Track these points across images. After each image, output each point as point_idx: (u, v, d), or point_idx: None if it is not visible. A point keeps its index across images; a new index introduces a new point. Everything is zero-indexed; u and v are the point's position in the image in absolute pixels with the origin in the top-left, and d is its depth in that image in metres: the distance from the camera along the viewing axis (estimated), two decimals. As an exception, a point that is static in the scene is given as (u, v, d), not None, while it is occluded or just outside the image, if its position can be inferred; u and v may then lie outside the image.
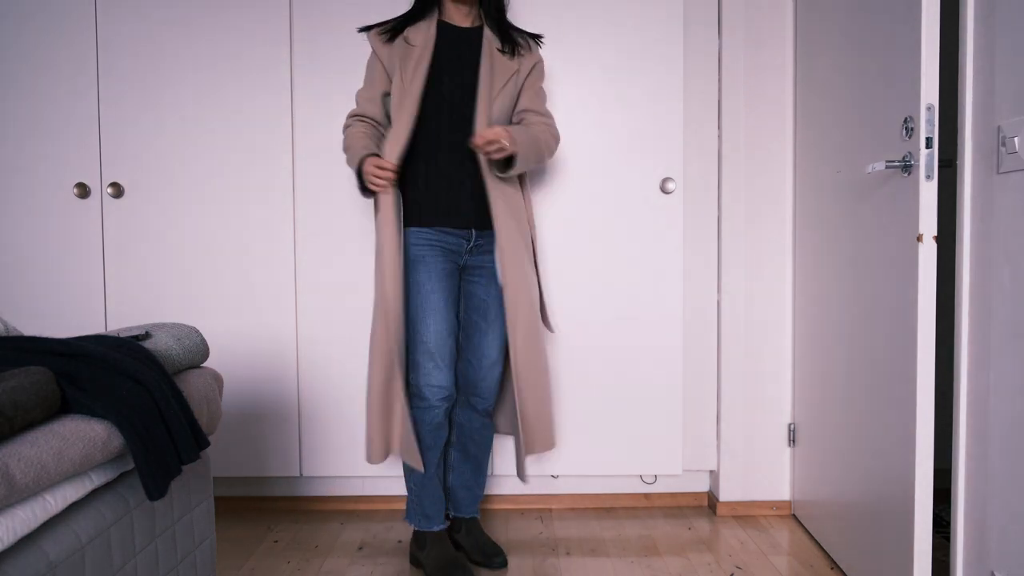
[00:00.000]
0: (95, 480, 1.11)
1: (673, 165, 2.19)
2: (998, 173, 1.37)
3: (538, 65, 1.88)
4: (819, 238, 1.99)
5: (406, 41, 1.77)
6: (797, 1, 2.14)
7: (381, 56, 1.79)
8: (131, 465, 1.20)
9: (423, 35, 1.77)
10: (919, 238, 1.45)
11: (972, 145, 1.45)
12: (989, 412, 1.41)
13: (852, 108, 1.77)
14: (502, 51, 1.80)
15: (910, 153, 1.48)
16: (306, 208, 2.20)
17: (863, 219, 1.71)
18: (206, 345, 1.47)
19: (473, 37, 1.81)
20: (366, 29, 1.83)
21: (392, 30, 1.79)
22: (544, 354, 1.81)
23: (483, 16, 1.83)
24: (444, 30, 1.79)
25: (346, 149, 1.81)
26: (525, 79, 1.85)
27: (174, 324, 1.46)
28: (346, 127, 1.85)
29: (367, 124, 1.82)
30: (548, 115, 1.88)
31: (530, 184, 2.19)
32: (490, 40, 1.80)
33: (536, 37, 1.91)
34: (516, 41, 1.84)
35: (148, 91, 2.18)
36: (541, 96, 1.89)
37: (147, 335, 1.37)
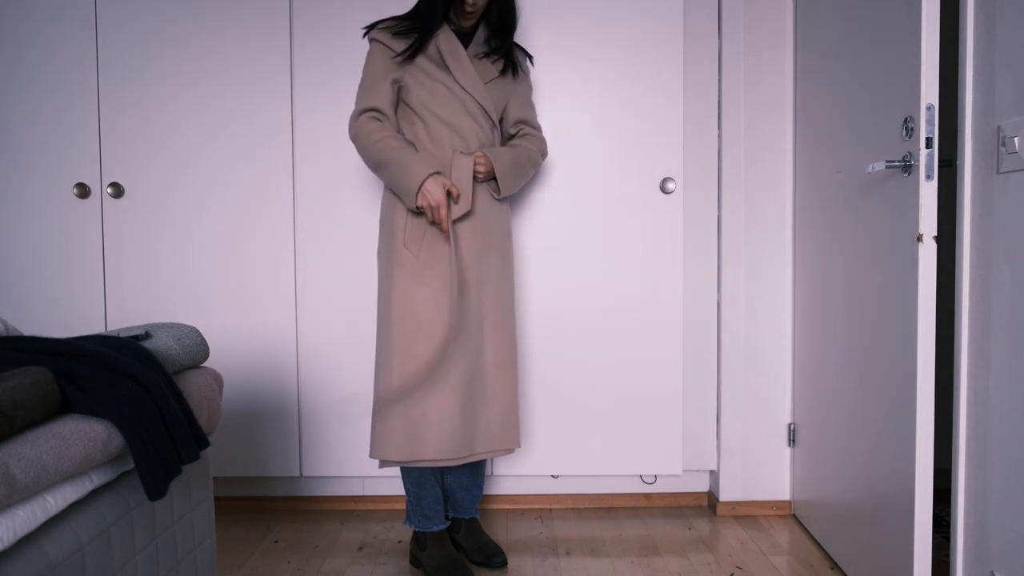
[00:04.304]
0: (95, 480, 1.11)
1: (673, 165, 2.19)
2: (998, 173, 1.37)
3: (524, 79, 1.92)
4: (819, 238, 1.99)
5: (435, 49, 1.76)
6: (797, 1, 2.14)
7: (390, 51, 1.74)
8: (131, 465, 1.20)
9: (448, 44, 1.76)
10: (919, 238, 1.45)
11: (972, 145, 1.45)
12: (989, 412, 1.41)
13: (852, 108, 1.77)
14: (484, 56, 1.81)
15: (910, 153, 1.48)
16: (306, 207, 2.20)
17: (863, 219, 1.71)
18: (206, 345, 1.47)
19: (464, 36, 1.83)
20: (370, 28, 1.78)
21: (417, 44, 1.73)
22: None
23: (484, 24, 1.83)
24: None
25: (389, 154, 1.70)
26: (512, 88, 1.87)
27: (174, 324, 1.46)
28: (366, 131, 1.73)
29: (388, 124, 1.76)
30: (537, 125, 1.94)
31: (529, 185, 2.19)
32: (477, 44, 1.81)
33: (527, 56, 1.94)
34: (505, 53, 1.83)
35: (148, 91, 2.18)
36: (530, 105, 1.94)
37: (147, 335, 1.37)
